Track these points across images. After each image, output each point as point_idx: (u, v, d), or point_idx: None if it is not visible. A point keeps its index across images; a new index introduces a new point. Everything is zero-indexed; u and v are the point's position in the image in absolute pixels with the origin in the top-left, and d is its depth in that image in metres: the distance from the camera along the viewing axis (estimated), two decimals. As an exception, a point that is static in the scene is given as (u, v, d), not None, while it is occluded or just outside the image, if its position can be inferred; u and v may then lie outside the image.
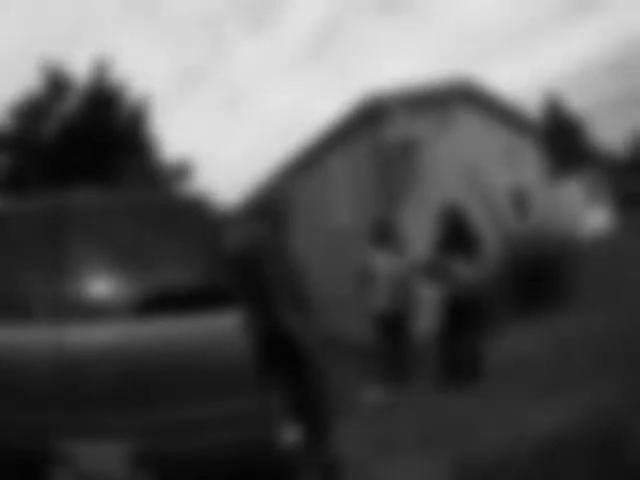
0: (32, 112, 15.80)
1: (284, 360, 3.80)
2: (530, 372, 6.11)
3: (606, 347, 5.99)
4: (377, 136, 10.70)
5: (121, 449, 3.12)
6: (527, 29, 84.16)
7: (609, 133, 63.67)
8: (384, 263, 7.57)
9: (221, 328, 3.40)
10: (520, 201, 12.96)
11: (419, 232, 7.85)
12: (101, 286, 3.51)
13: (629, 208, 26.00)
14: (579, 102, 70.19)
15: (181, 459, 3.22)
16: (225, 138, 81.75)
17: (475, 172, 11.02)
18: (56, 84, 15.99)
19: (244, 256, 3.97)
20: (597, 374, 5.14)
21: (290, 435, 3.72)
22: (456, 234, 6.93)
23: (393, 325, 7.48)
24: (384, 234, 7.83)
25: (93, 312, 3.34)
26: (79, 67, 16.45)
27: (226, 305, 3.44)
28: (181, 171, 17.07)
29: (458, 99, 11.93)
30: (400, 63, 79.34)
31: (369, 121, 10.87)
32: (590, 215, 20.93)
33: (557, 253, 10.06)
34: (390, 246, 7.70)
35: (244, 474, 3.42)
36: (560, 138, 33.51)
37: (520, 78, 67.15)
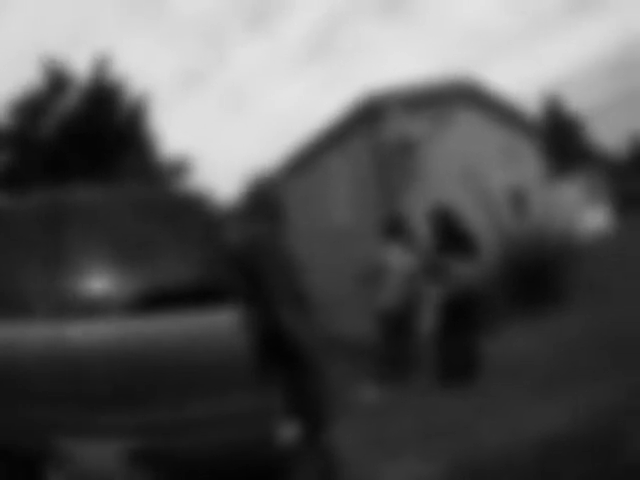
0: (32, 109, 15.82)
1: (282, 358, 3.82)
2: (528, 372, 6.10)
3: (604, 348, 5.99)
4: (375, 135, 10.70)
5: (119, 447, 3.12)
6: (528, 30, 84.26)
7: (609, 134, 63.82)
8: (397, 258, 7.41)
9: (219, 325, 3.41)
10: (519, 201, 12.97)
11: (418, 232, 7.83)
12: (100, 283, 3.51)
13: (628, 209, 26.00)
14: (579, 103, 70.26)
15: (178, 458, 3.23)
16: (225, 137, 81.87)
17: (473, 171, 11.02)
18: (56, 81, 16.02)
19: (243, 253, 3.99)
20: (595, 375, 5.14)
21: (287, 433, 3.74)
22: (449, 234, 6.93)
23: (400, 323, 7.38)
24: (396, 228, 7.66)
25: (92, 309, 3.33)
26: (80, 66, 16.56)
27: (225, 302, 3.46)
28: (180, 168, 17.25)
29: (457, 98, 11.94)
30: (400, 64, 79.46)
31: (368, 120, 10.88)
32: (589, 215, 20.92)
33: (555, 253, 10.06)
34: (402, 241, 7.52)
35: (241, 472, 3.43)
36: (559, 138, 33.56)
37: (521, 79, 67.27)
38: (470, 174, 10.88)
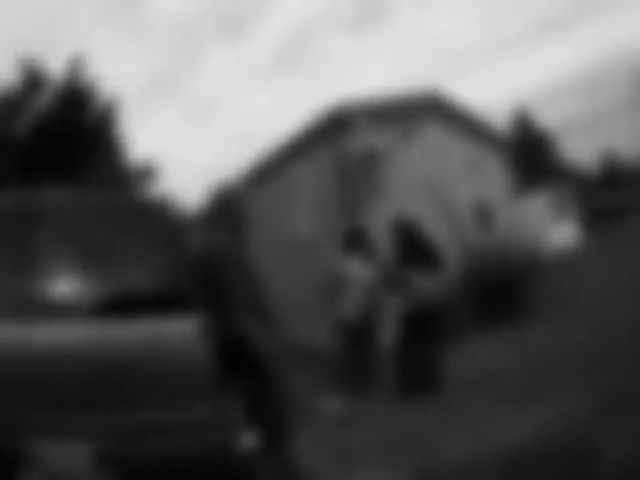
0: (6, 107, 15.71)
1: (243, 367, 3.80)
2: (492, 384, 6.04)
3: (570, 361, 5.96)
4: (341, 146, 10.68)
5: (87, 450, 3.11)
6: (501, 46, 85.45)
7: (580, 149, 64.98)
8: (357, 270, 7.43)
9: (180, 333, 3.43)
10: (484, 214, 13.03)
11: (380, 244, 7.79)
12: (66, 285, 3.50)
13: (597, 224, 26.38)
14: (551, 118, 71.46)
15: (141, 462, 3.22)
16: (192, 144, 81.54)
17: (438, 185, 11.04)
18: (32, 80, 15.94)
19: (204, 261, 3.99)
20: (561, 387, 5.10)
21: (248, 441, 3.74)
22: (411, 246, 6.91)
23: (360, 335, 7.38)
24: (357, 241, 7.68)
25: (58, 311, 3.32)
26: (54, 66, 16.58)
27: (186, 310, 3.48)
28: (146, 173, 17.35)
29: (425, 112, 11.98)
30: (370, 76, 79.91)
31: (333, 131, 10.86)
32: (556, 230, 21.13)
33: (520, 267, 10.10)
34: (363, 253, 7.54)
35: (203, 479, 3.43)
36: (528, 153, 34.01)
37: (492, 94, 68.18)
38: (434, 187, 10.90)
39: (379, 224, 8.97)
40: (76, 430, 3.13)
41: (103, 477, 3.12)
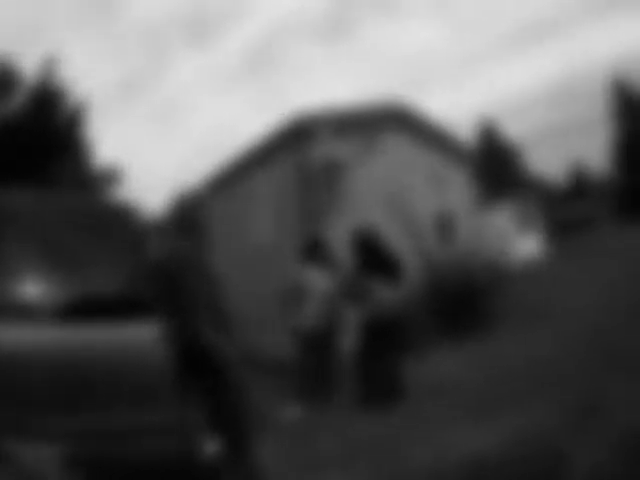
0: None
1: (202, 372, 3.84)
2: (454, 395, 6.02)
3: (535, 372, 5.96)
4: (301, 155, 10.63)
5: (54, 451, 3.08)
6: (469, 59, 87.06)
7: (547, 162, 66.17)
8: (316, 280, 7.45)
9: (141, 337, 3.46)
10: (446, 226, 13.07)
11: (340, 254, 7.76)
12: (29, 287, 3.47)
13: (563, 236, 26.77)
14: (518, 130, 72.73)
15: (107, 464, 3.22)
16: (157, 150, 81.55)
17: (399, 196, 11.04)
18: (6, 79, 15.75)
19: (165, 267, 4.04)
20: (525, 397, 5.09)
21: (210, 448, 3.78)
22: (371, 257, 6.89)
23: (319, 343, 7.39)
24: (316, 250, 7.72)
25: (21, 313, 3.29)
26: (24, 65, 16.50)
27: (146, 315, 3.50)
28: (110, 177, 17.40)
29: (387, 123, 11.99)
30: (336, 87, 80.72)
31: (294, 140, 10.81)
32: (521, 242, 21.33)
33: (481, 278, 10.13)
34: (321, 263, 7.58)
35: None
36: (493, 165, 34.45)
37: (458, 106, 69.11)
38: (396, 198, 10.89)
39: (340, 234, 8.93)
40: (45, 431, 3.11)
41: (70, 478, 3.09)
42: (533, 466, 3.48)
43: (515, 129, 65.76)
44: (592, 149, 55.58)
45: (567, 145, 67.19)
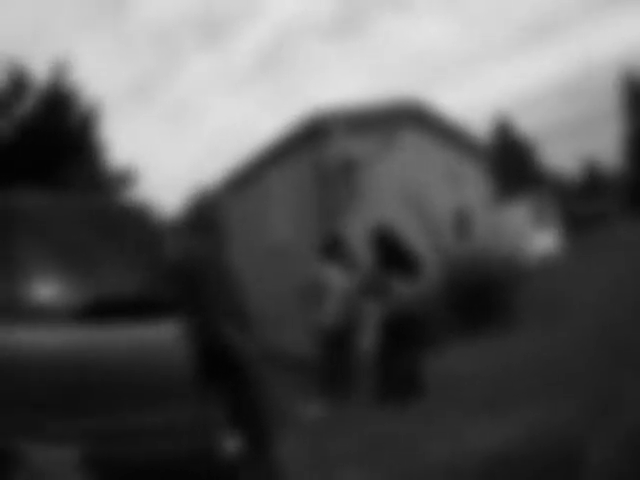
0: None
1: (223, 371, 3.84)
2: (471, 390, 6.06)
3: (549, 367, 5.99)
4: (318, 154, 10.65)
5: (71, 453, 3.09)
6: (483, 54, 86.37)
7: (562, 157, 65.66)
8: (335, 277, 7.51)
9: (161, 338, 3.46)
10: (463, 223, 13.07)
11: (359, 251, 7.82)
12: (47, 289, 3.48)
13: (579, 231, 26.59)
14: (532, 126, 72.10)
15: (125, 465, 3.22)
16: (169, 150, 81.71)
17: (416, 193, 11.06)
18: (18, 83, 15.88)
19: (184, 266, 4.08)
20: (540, 394, 5.11)
21: (230, 446, 3.77)
22: (390, 253, 6.93)
23: (339, 341, 7.44)
24: (335, 247, 7.77)
25: (39, 315, 3.29)
26: (36, 69, 16.48)
27: (166, 315, 3.50)
28: (125, 179, 17.30)
29: (404, 120, 11.98)
30: (349, 83, 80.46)
31: (311, 138, 10.83)
32: (537, 237, 21.23)
33: (498, 274, 10.14)
34: (340, 260, 7.63)
35: None
36: (509, 160, 34.28)
37: (473, 102, 68.74)
38: (413, 195, 10.92)
39: (357, 231, 8.98)
40: (60, 433, 3.11)
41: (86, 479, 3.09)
42: (549, 461, 3.50)
43: (527, 125, 65.17)
44: (604, 144, 55.15)
45: (579, 140, 66.64)
